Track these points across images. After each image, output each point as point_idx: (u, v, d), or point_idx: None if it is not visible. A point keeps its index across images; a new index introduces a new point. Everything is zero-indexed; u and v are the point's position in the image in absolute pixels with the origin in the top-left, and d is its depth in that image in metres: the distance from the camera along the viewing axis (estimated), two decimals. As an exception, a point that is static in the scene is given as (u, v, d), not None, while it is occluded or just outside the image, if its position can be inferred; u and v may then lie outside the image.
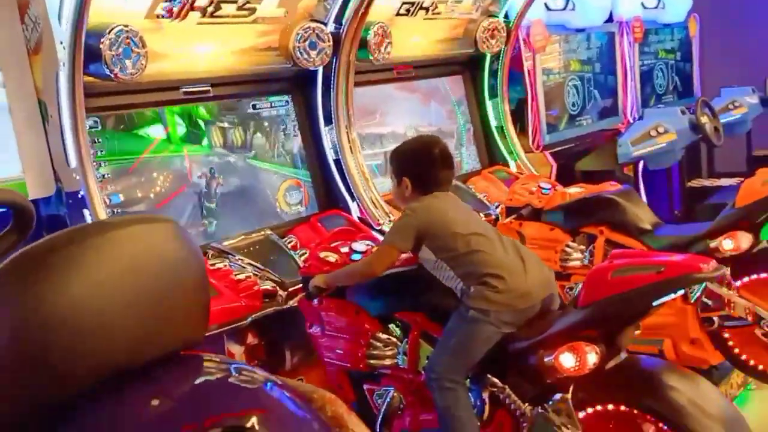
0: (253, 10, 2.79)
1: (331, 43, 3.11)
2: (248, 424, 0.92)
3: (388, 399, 2.29)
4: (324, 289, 2.32)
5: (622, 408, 1.83)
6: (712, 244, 2.76)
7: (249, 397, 1.01)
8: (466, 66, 4.16)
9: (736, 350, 2.78)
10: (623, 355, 1.92)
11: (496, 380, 2.02)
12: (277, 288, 2.67)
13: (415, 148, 2.26)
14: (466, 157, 4.23)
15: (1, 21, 2.34)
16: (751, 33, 6.03)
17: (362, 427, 1.33)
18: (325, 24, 3.11)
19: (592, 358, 1.84)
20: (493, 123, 4.21)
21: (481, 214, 3.57)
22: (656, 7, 5.44)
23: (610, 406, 1.84)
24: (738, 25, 6.10)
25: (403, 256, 2.25)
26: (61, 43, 2.30)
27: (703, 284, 2.74)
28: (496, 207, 3.63)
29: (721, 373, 3.01)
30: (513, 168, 4.19)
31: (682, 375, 1.85)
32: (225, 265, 2.74)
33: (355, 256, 2.48)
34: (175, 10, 2.53)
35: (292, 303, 2.62)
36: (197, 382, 1.01)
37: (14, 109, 2.39)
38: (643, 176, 5.07)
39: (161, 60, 2.63)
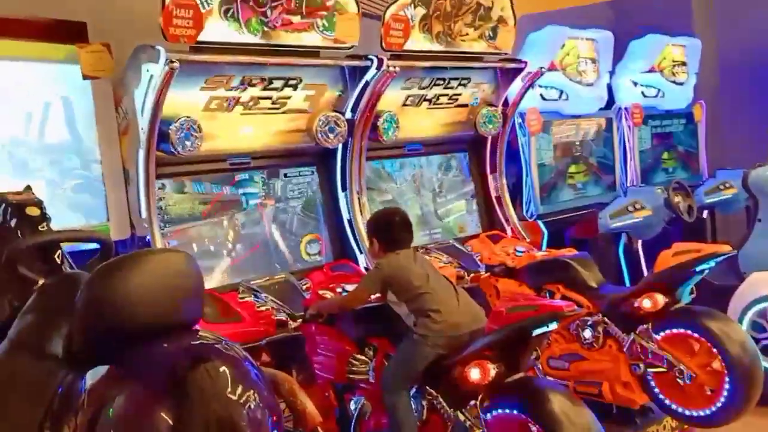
0: (284, 104, 3.67)
1: (347, 127, 3.94)
2: (221, 369, 1.63)
3: (359, 406, 2.99)
4: (317, 315, 3.06)
5: (515, 413, 2.46)
6: (635, 302, 3.33)
7: (226, 355, 1.73)
8: (471, 145, 4.93)
9: (658, 392, 3.32)
10: (522, 374, 2.57)
11: (432, 390, 2.70)
12: (289, 319, 3.43)
13: (381, 216, 3.02)
14: (470, 222, 4.95)
15: (102, 112, 3.28)
16: (752, 120, 6.57)
17: (306, 398, 2.05)
18: (343, 113, 3.95)
19: (492, 372, 2.50)
20: (493, 194, 4.92)
21: (471, 271, 4.27)
22: (656, 96, 6.04)
23: (507, 411, 2.48)
24: (742, 113, 6.65)
25: (374, 296, 2.98)
26: (142, 129, 3.21)
27: (632, 336, 3.35)
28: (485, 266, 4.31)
29: (657, 416, 3.55)
30: (509, 233, 4.87)
31: (565, 396, 2.45)
32: (251, 299, 3.54)
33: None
34: (225, 105, 3.42)
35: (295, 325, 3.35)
36: (196, 342, 1.75)
37: (107, 176, 3.30)
38: (644, 246, 5.63)
39: (213, 139, 3.51)
